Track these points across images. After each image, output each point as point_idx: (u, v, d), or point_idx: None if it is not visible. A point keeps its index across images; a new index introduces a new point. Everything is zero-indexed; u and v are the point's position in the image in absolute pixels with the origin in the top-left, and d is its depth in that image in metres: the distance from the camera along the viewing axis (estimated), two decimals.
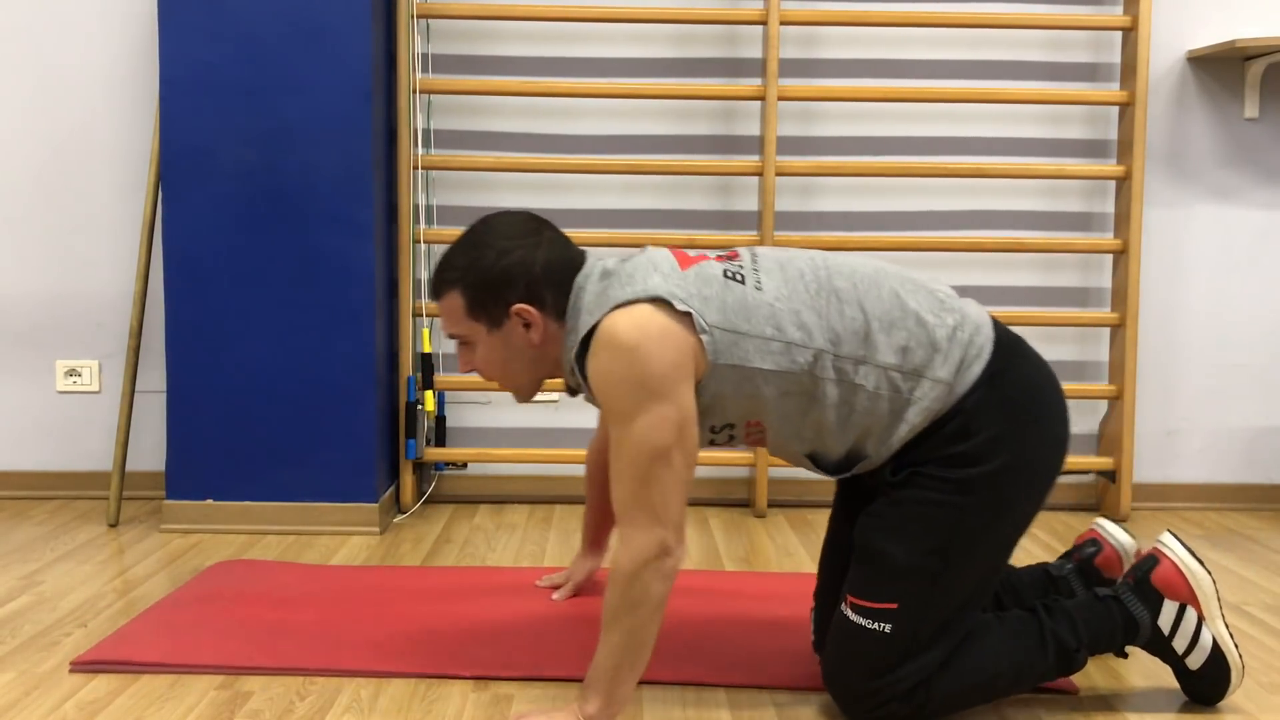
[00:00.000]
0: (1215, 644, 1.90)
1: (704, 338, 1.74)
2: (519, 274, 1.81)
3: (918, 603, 1.78)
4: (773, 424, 1.82)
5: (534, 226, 1.86)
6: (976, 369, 1.78)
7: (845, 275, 1.82)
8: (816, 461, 1.87)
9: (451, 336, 1.90)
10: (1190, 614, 1.90)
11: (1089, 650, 1.89)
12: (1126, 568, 2.12)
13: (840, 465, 1.86)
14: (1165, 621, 1.90)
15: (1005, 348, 1.82)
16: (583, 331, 1.78)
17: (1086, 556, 2.14)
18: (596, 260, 1.87)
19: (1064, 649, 1.87)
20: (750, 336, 1.76)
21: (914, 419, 1.77)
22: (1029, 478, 1.82)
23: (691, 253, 1.87)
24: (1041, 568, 2.15)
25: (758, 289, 1.78)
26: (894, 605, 1.78)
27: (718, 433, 1.86)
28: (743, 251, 1.88)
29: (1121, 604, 1.91)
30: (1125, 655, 1.97)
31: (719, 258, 1.85)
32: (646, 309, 1.73)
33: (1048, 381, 1.86)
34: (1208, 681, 1.92)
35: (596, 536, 2.39)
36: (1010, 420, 1.78)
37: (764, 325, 1.76)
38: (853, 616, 1.82)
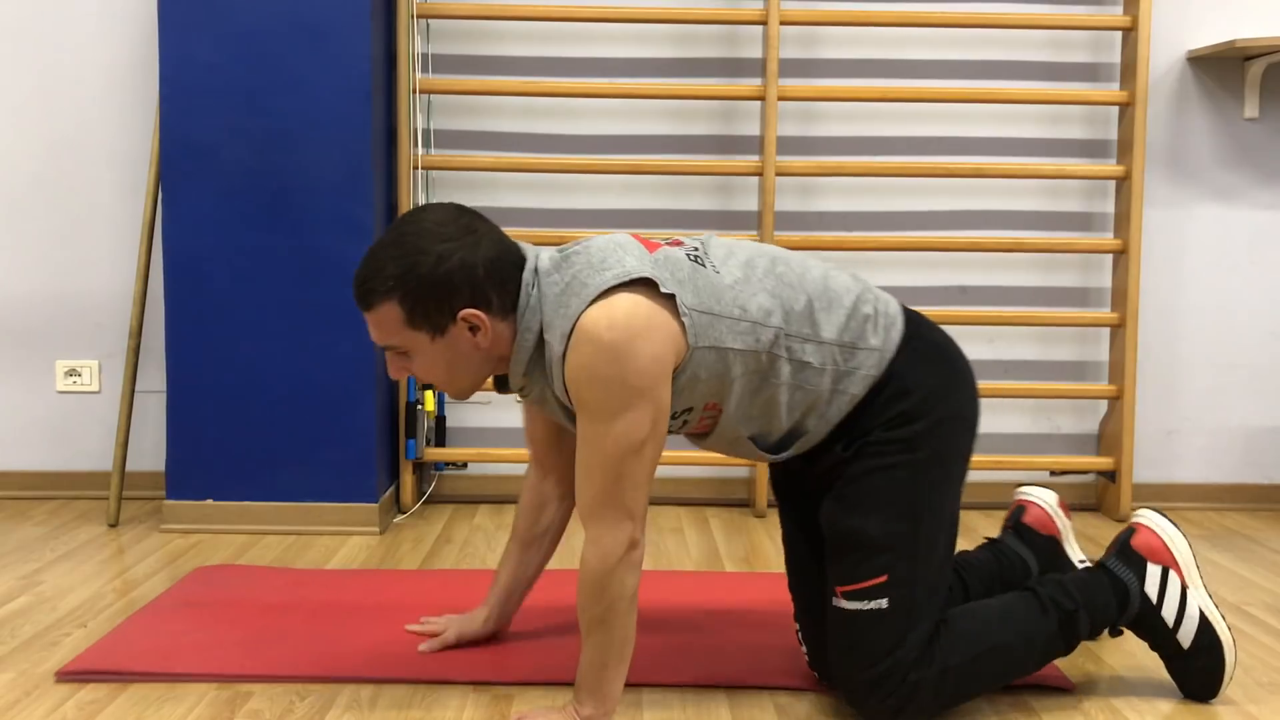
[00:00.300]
0: (1203, 616, 1.93)
1: (685, 320, 1.73)
2: (462, 278, 1.70)
3: (905, 568, 1.80)
4: (730, 406, 1.82)
5: (468, 222, 1.75)
6: (896, 335, 1.85)
7: (782, 261, 1.86)
8: (757, 443, 1.88)
9: (385, 348, 1.77)
10: (1174, 578, 1.94)
11: (1087, 614, 1.90)
12: (1055, 519, 2.21)
13: (781, 444, 1.88)
14: (1151, 587, 1.93)
15: (910, 316, 1.91)
16: (564, 327, 1.70)
17: (1017, 519, 2.22)
18: (534, 250, 1.81)
19: (1064, 611, 1.89)
20: (723, 318, 1.76)
21: (854, 389, 1.82)
22: (962, 426, 1.89)
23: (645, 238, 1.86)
24: (985, 542, 2.22)
25: (716, 272, 1.80)
26: (884, 578, 1.80)
27: (675, 418, 1.83)
28: (686, 240, 1.87)
29: (1107, 569, 1.95)
30: (1119, 632, 1.98)
31: (669, 244, 1.84)
32: (629, 299, 1.69)
33: (950, 341, 1.93)
34: (1203, 661, 1.93)
35: (504, 606, 2.13)
36: (936, 374, 1.86)
37: (731, 306, 1.77)
38: (848, 605, 1.82)
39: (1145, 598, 1.93)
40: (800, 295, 1.82)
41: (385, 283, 1.71)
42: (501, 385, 1.88)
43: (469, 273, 1.71)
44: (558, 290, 1.73)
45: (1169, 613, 1.93)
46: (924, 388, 1.84)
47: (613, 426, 1.68)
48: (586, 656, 1.77)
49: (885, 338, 1.84)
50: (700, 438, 1.91)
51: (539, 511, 2.10)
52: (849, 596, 1.82)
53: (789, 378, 1.81)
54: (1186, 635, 1.93)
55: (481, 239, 1.74)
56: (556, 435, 2.05)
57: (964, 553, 2.14)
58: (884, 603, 1.79)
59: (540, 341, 1.76)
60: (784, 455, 1.89)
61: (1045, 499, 2.23)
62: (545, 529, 2.11)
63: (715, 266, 1.80)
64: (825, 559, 1.88)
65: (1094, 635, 1.94)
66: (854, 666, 1.82)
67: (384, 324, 1.74)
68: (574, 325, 1.69)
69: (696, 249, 1.83)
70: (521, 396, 1.87)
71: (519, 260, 1.78)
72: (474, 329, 1.74)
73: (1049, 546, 2.19)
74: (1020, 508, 2.24)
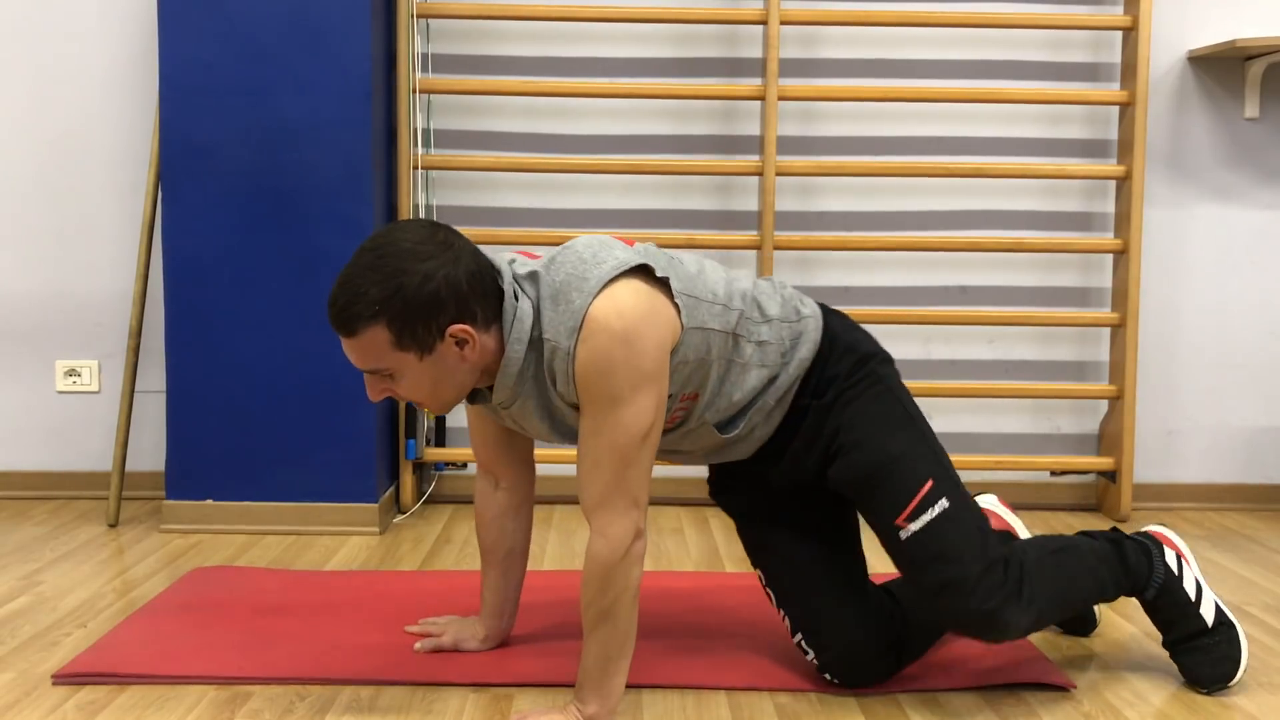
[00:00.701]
0: (1216, 603, 2.03)
1: (679, 301, 1.79)
2: (447, 294, 1.68)
3: (939, 468, 1.90)
4: (705, 392, 1.87)
5: (444, 237, 1.72)
6: (816, 305, 1.99)
7: (716, 261, 1.99)
8: (719, 428, 1.93)
9: (370, 373, 1.73)
10: (1186, 566, 2.04)
11: (1131, 546, 2.01)
12: (1004, 517, 2.33)
13: (735, 420, 1.93)
14: (1171, 562, 2.02)
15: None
16: (572, 322, 1.71)
17: None
18: (505, 259, 1.82)
19: (1109, 539, 2.03)
20: (702, 300, 1.83)
21: (803, 352, 1.91)
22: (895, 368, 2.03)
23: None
24: None
25: (681, 263, 1.87)
26: (929, 483, 1.87)
27: None
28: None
29: (1129, 536, 2.06)
30: (1149, 598, 2.02)
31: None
32: (630, 286, 1.73)
33: None
34: (1221, 639, 2.00)
35: (498, 624, 2.13)
36: (859, 331, 2.01)
37: (704, 290, 1.84)
38: (916, 526, 1.86)
39: (1168, 567, 2.01)
40: (744, 283, 1.93)
41: (370, 307, 1.66)
42: (473, 397, 1.88)
43: (454, 288, 1.69)
44: (552, 291, 1.75)
45: (1189, 586, 2.01)
46: (859, 340, 1.98)
47: (624, 413, 1.70)
48: (590, 652, 1.77)
49: (811, 307, 1.97)
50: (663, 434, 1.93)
51: (501, 524, 2.09)
52: (911, 518, 1.86)
53: (749, 356, 1.88)
54: (1208, 612, 2.00)
55: (460, 254, 1.72)
56: (506, 440, 2.05)
57: None
58: (945, 502, 1.86)
59: (529, 347, 1.76)
60: (737, 431, 1.92)
61: (988, 502, 2.34)
62: (513, 542, 2.11)
63: (679, 259, 1.87)
64: (864, 513, 1.94)
65: (1136, 584, 2.01)
66: (962, 569, 1.84)
67: (370, 348, 1.70)
68: (583, 318, 1.70)
69: (655, 247, 1.90)
70: (502, 408, 1.86)
71: (495, 271, 1.78)
72: (461, 344, 1.72)
73: (1008, 540, 2.24)
74: None
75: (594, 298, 1.71)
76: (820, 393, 1.92)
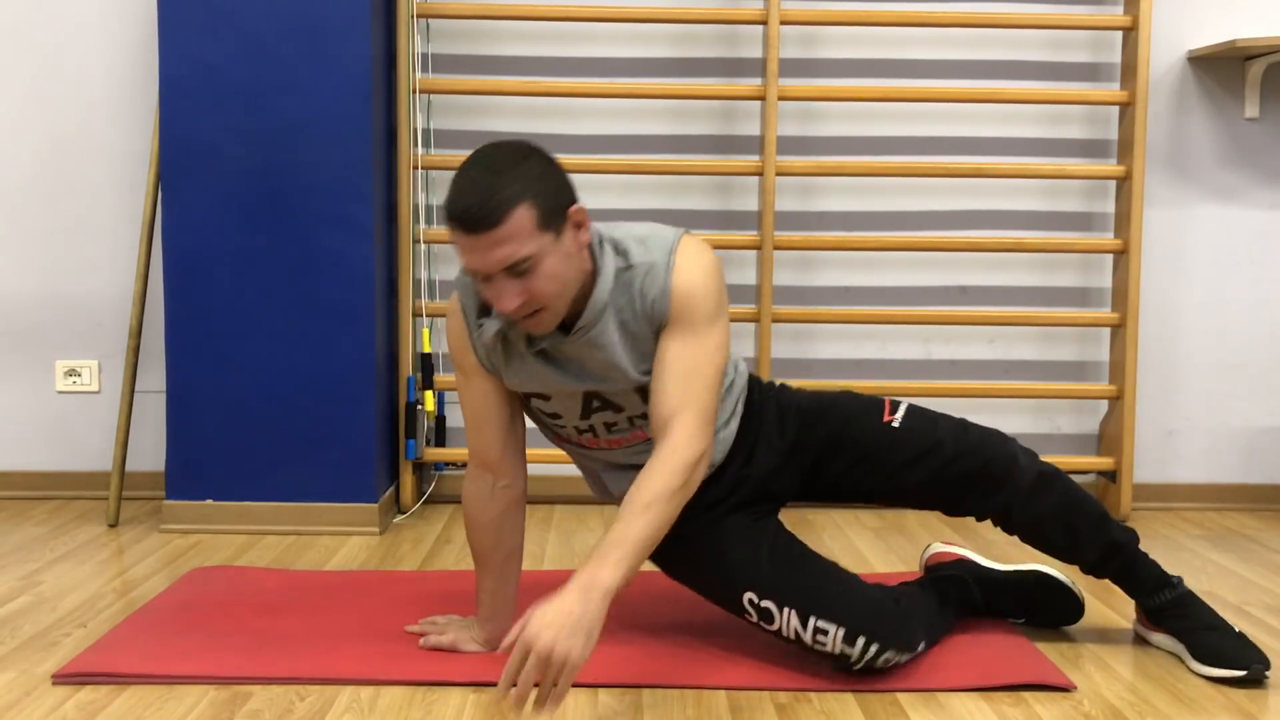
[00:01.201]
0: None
1: None
2: (562, 177, 1.78)
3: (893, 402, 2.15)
4: None
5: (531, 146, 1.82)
6: None
7: None
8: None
9: (511, 267, 1.70)
10: None
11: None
12: (955, 551, 2.37)
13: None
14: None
15: None
16: (667, 244, 1.85)
17: (927, 566, 2.38)
18: None
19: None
20: None
21: (742, 367, 2.13)
22: None
23: None
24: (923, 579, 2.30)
25: None
26: (885, 399, 2.13)
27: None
28: None
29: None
30: (1176, 594, 2.10)
31: None
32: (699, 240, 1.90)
33: None
34: (1248, 641, 2.06)
35: (498, 626, 2.07)
36: None
37: None
38: (901, 414, 2.09)
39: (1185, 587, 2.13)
40: None
41: (515, 186, 1.69)
42: (532, 342, 1.89)
43: (563, 172, 1.79)
44: (632, 235, 1.87)
45: (1210, 606, 2.13)
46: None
47: (716, 332, 1.85)
48: (637, 526, 1.72)
49: None
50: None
51: (499, 525, 2.05)
52: (893, 411, 2.10)
53: (729, 369, 2.06)
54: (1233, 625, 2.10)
55: (547, 153, 1.80)
56: (508, 427, 2.02)
57: (906, 582, 2.22)
58: (905, 400, 2.14)
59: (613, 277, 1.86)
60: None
61: (934, 548, 2.42)
62: (511, 545, 2.08)
63: None
64: (851, 451, 2.09)
65: (1148, 568, 2.11)
66: (956, 420, 2.11)
67: (517, 233, 1.69)
68: (676, 244, 1.85)
69: None
70: (581, 335, 1.85)
71: None
72: (578, 226, 1.80)
73: (967, 563, 2.31)
74: (928, 567, 2.38)
75: (680, 237, 1.87)
76: (772, 384, 2.18)
